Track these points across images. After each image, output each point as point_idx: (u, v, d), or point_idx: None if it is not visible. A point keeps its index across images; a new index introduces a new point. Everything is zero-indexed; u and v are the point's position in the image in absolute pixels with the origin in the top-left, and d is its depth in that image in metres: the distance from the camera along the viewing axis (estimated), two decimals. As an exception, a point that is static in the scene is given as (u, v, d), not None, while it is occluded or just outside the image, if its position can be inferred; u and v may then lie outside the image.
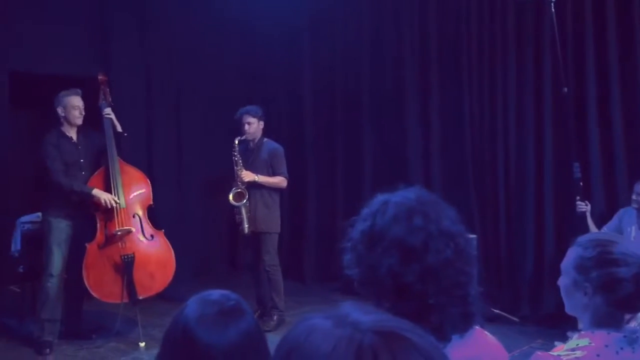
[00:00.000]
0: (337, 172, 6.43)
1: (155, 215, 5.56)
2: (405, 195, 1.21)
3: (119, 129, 4.66)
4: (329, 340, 0.64)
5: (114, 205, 4.46)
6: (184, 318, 1.26)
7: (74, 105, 4.47)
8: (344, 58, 6.35)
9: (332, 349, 0.63)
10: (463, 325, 1.19)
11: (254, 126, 4.88)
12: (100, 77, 4.79)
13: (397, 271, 1.12)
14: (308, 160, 6.53)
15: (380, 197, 1.23)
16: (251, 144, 4.96)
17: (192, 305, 1.29)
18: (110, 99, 4.75)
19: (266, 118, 5.05)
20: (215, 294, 1.32)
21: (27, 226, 5.16)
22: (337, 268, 5.61)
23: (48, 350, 4.35)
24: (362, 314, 0.67)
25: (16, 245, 5.25)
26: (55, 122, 4.53)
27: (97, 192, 4.44)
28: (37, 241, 4.67)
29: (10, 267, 5.29)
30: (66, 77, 5.12)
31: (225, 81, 6.63)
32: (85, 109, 4.56)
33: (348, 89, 6.33)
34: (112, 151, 4.57)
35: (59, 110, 4.47)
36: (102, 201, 4.42)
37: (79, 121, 4.52)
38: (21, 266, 5.23)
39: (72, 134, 4.54)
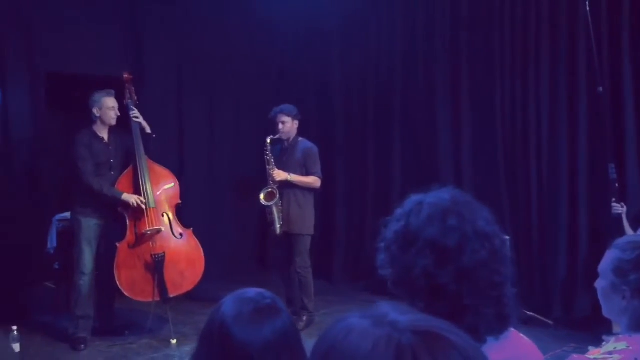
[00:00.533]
0: (367, 172, 6.42)
1: (184, 213, 5.64)
2: (439, 196, 1.20)
3: (148, 130, 4.69)
4: (368, 339, 0.64)
5: (142, 206, 4.52)
6: (221, 315, 1.28)
7: (110, 106, 4.53)
8: (375, 58, 6.34)
9: (372, 348, 0.63)
10: (498, 327, 1.18)
11: (288, 125, 4.84)
12: (125, 76, 4.82)
13: (431, 272, 1.12)
14: (338, 160, 6.53)
15: (414, 198, 1.23)
16: (286, 143, 4.92)
17: (229, 303, 1.30)
18: (135, 98, 4.79)
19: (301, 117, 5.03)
20: (251, 292, 1.34)
21: (62, 224, 5.27)
22: (365, 267, 5.64)
23: (82, 346, 4.44)
24: (400, 314, 0.67)
25: (52, 242, 5.37)
26: (88, 121, 4.60)
27: (127, 197, 4.49)
28: (72, 239, 4.77)
29: (46, 264, 5.42)
30: (100, 78, 5.21)
31: (256, 81, 6.68)
32: (121, 108, 4.62)
33: (378, 89, 6.31)
34: (140, 151, 4.61)
35: (95, 110, 4.53)
36: (131, 204, 4.48)
37: (114, 122, 4.58)
38: (56, 263, 5.35)
39: (104, 134, 4.60)
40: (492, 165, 5.36)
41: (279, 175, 4.77)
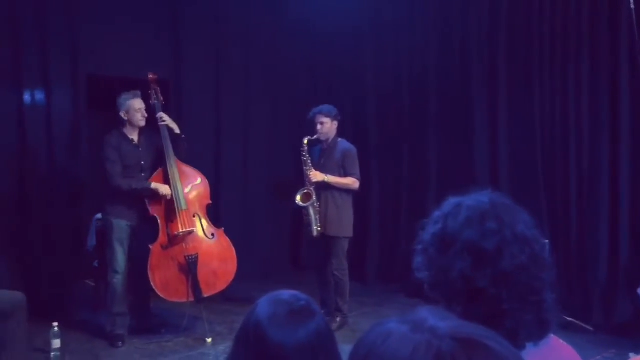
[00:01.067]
0: (401, 173, 6.38)
1: (220, 213, 5.70)
2: (478, 199, 1.19)
3: (177, 131, 4.71)
4: (407, 345, 0.63)
5: (168, 195, 4.55)
6: (255, 317, 1.29)
7: (136, 108, 4.56)
8: (409, 59, 6.28)
9: (411, 354, 0.62)
10: (538, 332, 1.15)
11: (327, 126, 4.80)
12: (150, 76, 4.85)
13: (469, 275, 1.10)
14: (372, 161, 6.51)
15: (452, 200, 1.22)
16: (325, 144, 4.90)
17: (263, 305, 1.31)
18: (162, 98, 4.82)
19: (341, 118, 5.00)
20: (286, 294, 1.34)
21: (101, 223, 5.38)
22: (400, 270, 5.57)
23: (120, 343, 4.52)
24: (440, 320, 0.66)
25: (92, 241, 5.49)
26: (117, 123, 4.64)
27: (156, 185, 4.55)
28: (105, 239, 4.82)
29: (86, 262, 5.54)
30: (138, 80, 5.29)
31: (291, 82, 6.71)
32: (148, 109, 4.67)
33: (413, 90, 6.26)
34: (169, 154, 4.64)
35: (122, 114, 4.57)
36: (161, 193, 4.52)
37: (143, 123, 4.61)
38: (96, 261, 5.46)
39: (134, 135, 4.64)
40: (530, 167, 5.26)
41: (316, 176, 4.74)
